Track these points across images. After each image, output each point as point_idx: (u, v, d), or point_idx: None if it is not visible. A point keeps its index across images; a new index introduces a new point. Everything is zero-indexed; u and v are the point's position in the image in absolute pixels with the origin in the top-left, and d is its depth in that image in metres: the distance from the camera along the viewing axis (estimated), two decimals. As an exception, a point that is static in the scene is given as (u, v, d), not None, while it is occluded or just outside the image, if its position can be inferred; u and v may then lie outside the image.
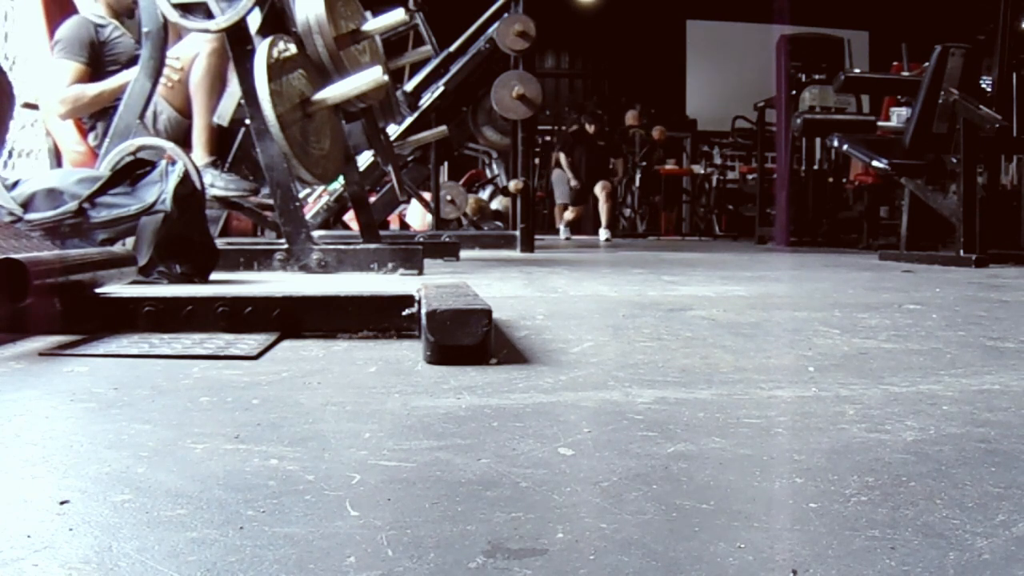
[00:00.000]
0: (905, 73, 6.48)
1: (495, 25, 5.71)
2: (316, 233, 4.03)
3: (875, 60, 13.40)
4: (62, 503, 0.69)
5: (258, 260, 3.31)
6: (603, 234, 9.23)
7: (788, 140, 7.90)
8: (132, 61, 3.47)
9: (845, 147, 5.47)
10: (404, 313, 1.64)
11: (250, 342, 1.50)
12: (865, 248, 6.85)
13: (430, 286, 1.71)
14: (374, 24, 3.80)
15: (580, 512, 0.69)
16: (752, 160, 10.66)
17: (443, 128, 5.65)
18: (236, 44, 3.21)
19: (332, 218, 6.18)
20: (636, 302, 2.36)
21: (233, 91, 3.65)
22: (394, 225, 8.47)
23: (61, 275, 1.54)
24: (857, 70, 7.90)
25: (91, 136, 3.69)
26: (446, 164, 9.06)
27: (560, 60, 15.82)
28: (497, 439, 0.91)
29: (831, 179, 8.27)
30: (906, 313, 2.13)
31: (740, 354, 1.48)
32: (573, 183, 9.52)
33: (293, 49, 3.33)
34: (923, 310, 2.21)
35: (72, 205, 2.59)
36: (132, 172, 2.72)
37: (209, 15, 3.13)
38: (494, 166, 10.03)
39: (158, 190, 2.64)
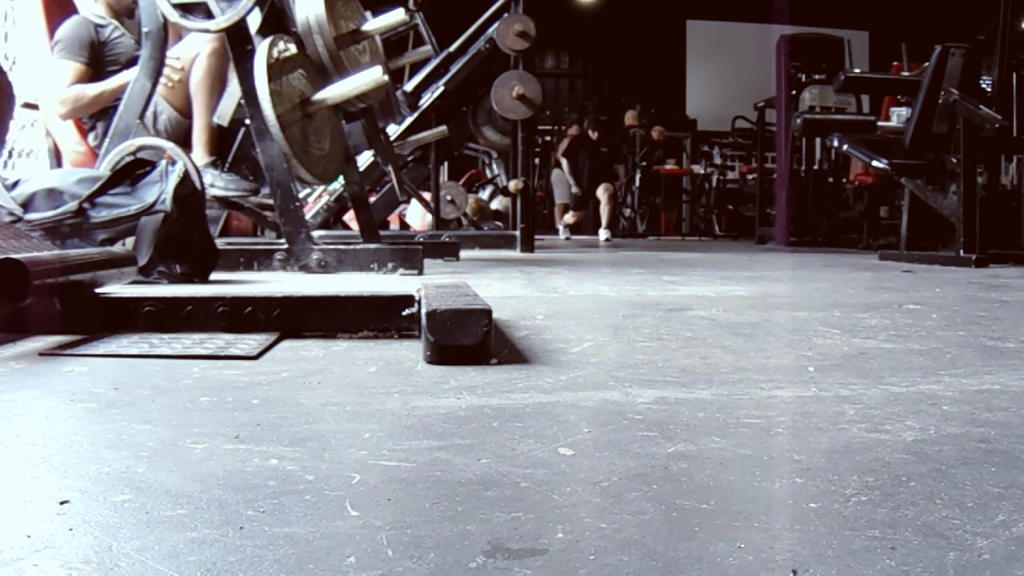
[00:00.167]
0: (905, 73, 6.48)
1: (495, 25, 5.71)
2: (316, 233, 4.03)
3: (875, 60, 13.40)
4: (62, 503, 0.69)
5: (258, 260, 3.31)
6: (603, 234, 9.23)
7: (788, 140, 7.90)
8: (132, 61, 3.47)
9: (845, 147, 5.47)
10: (404, 313, 1.64)
11: (250, 342, 1.50)
12: (865, 248, 6.85)
13: (430, 286, 1.71)
14: (374, 24, 3.80)
15: (580, 512, 0.69)
16: (752, 160, 10.66)
17: (443, 128, 5.65)
18: (236, 44, 3.21)
19: (332, 218, 6.18)
20: (636, 302, 2.36)
21: (233, 91, 3.66)
22: (394, 225, 8.47)
23: (61, 275, 1.54)
24: (857, 70, 7.90)
25: (91, 136, 3.69)
26: (446, 164, 9.06)
27: (560, 60, 15.82)
28: (497, 439, 0.91)
29: (831, 179, 8.26)
30: (906, 313, 2.13)
31: (740, 354, 1.48)
32: (575, 190, 9.54)
33: (293, 49, 3.33)
34: (923, 310, 2.21)
35: (72, 205, 2.59)
36: (132, 172, 2.72)
37: (209, 15, 3.13)
38: (494, 166, 10.03)
39: (158, 190, 2.64)
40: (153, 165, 2.76)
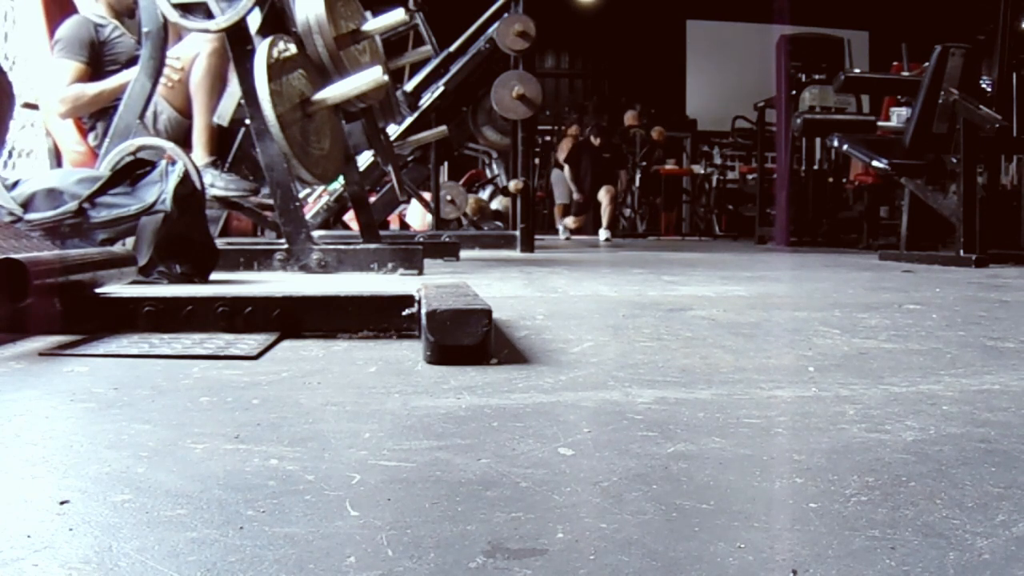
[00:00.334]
0: (905, 73, 6.48)
1: (495, 25, 5.71)
2: (316, 233, 4.03)
3: (875, 60, 13.40)
4: (62, 503, 0.69)
5: (258, 260, 3.31)
6: (603, 234, 9.23)
7: (788, 140, 7.90)
8: (132, 61, 3.47)
9: (845, 147, 5.47)
10: (404, 313, 1.64)
11: (250, 342, 1.50)
12: (865, 248, 6.85)
13: (430, 286, 1.71)
14: (374, 24, 3.80)
15: (580, 512, 0.69)
16: (752, 160, 10.66)
17: (443, 128, 5.65)
18: (236, 44, 3.21)
19: (332, 218, 6.18)
20: (636, 302, 2.36)
21: (233, 91, 3.66)
22: (394, 225, 8.47)
23: (61, 275, 1.54)
24: (857, 70, 7.90)
25: (91, 136, 3.69)
26: (446, 164, 9.06)
27: (560, 60, 15.82)
28: (497, 439, 0.91)
29: (831, 179, 8.27)
30: (906, 313, 2.13)
31: (740, 354, 1.48)
32: (576, 196, 9.54)
33: (293, 49, 3.33)
34: (923, 310, 2.21)
35: (72, 205, 2.59)
36: (132, 172, 2.72)
37: (209, 15, 3.13)
38: (494, 166, 10.04)
39: (158, 190, 2.64)
40: (153, 165, 2.76)
